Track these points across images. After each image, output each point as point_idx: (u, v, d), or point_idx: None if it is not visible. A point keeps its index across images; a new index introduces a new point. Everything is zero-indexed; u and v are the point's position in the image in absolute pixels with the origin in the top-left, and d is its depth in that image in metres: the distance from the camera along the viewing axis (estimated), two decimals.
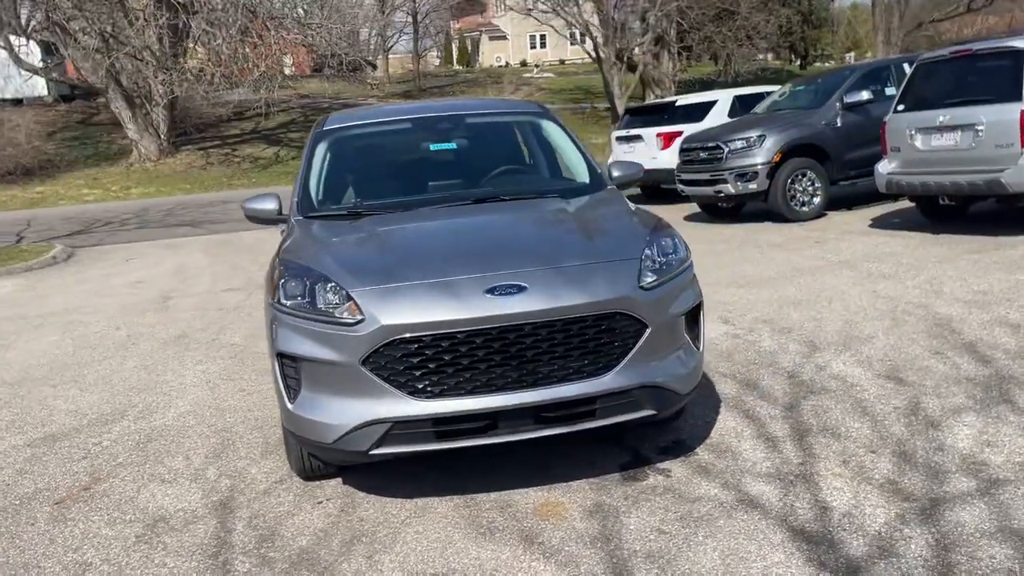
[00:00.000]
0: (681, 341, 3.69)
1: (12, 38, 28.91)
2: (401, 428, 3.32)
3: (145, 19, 25.60)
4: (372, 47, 57.52)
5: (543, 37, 59.72)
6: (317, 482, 3.99)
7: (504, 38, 63.84)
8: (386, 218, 4.22)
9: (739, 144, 10.83)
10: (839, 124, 10.89)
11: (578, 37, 19.46)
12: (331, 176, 4.75)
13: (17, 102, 39.80)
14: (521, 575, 3.06)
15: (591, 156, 4.94)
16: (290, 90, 37.98)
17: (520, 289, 3.34)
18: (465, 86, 48.17)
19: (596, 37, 19.93)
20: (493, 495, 3.70)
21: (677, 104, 14.66)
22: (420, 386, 3.30)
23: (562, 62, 56.79)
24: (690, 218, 12.47)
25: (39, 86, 39.41)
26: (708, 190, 11.31)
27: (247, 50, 25.53)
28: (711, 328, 6.07)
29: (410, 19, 53.41)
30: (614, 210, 4.24)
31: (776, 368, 5.09)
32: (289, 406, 3.50)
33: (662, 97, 26.70)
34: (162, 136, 29.39)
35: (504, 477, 3.84)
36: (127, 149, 29.67)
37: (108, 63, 26.79)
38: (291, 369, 3.49)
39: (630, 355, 3.45)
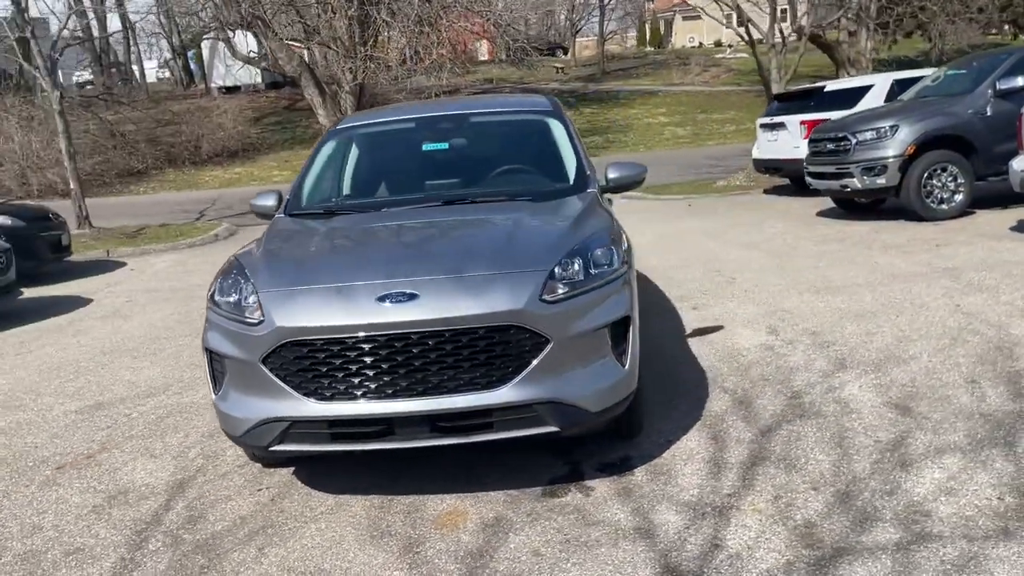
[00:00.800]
0: (599, 356, 3.54)
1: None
2: (298, 428, 3.44)
3: (332, 10, 27.21)
4: (570, 30, 57.80)
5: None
6: (272, 469, 4.20)
7: (698, 17, 61.95)
8: (351, 218, 4.35)
9: (868, 135, 9.99)
10: (989, 113, 9.77)
11: (766, 14, 18.45)
12: (327, 174, 4.93)
13: (234, 89, 43.75)
14: None
15: (585, 157, 4.79)
16: (474, 76, 38.99)
17: (411, 297, 3.35)
18: (650, 68, 47.43)
19: (748, 14, 18.86)
20: (411, 498, 3.74)
21: (826, 89, 13.74)
22: (314, 388, 3.40)
23: (761, 41, 54.34)
24: (824, 213, 11.68)
25: (254, 74, 42.96)
26: (833, 184, 10.54)
27: (430, 37, 26.46)
28: (753, 337, 5.74)
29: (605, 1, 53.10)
30: (563, 216, 4.10)
31: (784, 387, 4.74)
32: (213, 398, 3.71)
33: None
34: None
35: (432, 481, 3.87)
36: (319, 133, 31.74)
37: (301, 52, 28.78)
38: (217, 364, 3.69)
39: (528, 369, 3.37)
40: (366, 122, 5.29)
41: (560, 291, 3.46)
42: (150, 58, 57.40)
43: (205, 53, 44.63)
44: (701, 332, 6.04)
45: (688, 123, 32.64)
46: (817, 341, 5.53)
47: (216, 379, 3.72)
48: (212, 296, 3.78)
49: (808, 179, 11.27)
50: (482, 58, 51.18)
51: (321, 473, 4.06)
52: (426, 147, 5.00)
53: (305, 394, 3.40)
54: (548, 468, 3.93)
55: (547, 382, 3.39)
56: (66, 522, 3.81)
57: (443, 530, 3.44)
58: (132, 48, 48.66)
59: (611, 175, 4.70)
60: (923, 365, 4.86)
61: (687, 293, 7.31)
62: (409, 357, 3.33)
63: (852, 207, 11.46)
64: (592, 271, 3.62)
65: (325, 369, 3.38)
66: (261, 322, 3.45)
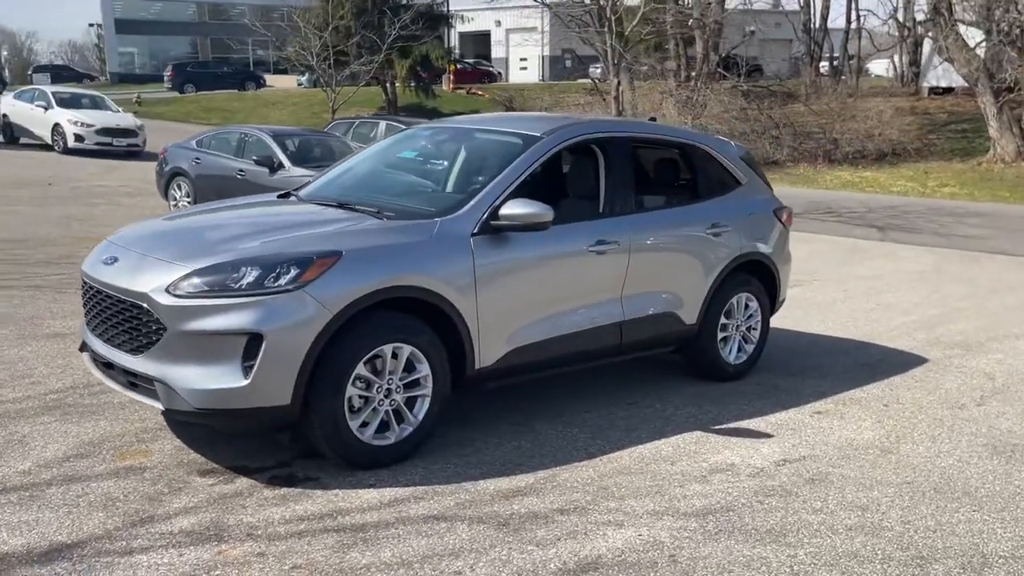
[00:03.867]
0: (220, 359, 3.78)
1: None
2: (85, 346, 4.53)
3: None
4: None
5: None
6: None
7: None
8: (263, 200, 5.15)
9: None
10: None
11: None
12: (347, 165, 5.56)
13: (948, 91, 41.21)
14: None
15: (499, 188, 4.53)
16: None
17: (113, 261, 4.14)
18: None
19: None
20: (168, 442, 4.47)
21: None
22: (87, 319, 4.46)
23: None
24: None
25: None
26: None
27: None
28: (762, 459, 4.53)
29: None
30: (337, 232, 4.24)
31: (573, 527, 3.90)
32: None
33: None
34: None
35: None
36: (989, 146, 28.19)
37: (984, 54, 25.88)
38: None
39: (153, 347, 3.89)
40: (421, 126, 5.77)
41: (190, 288, 3.81)
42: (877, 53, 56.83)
43: (925, 51, 42.74)
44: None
45: None
46: (864, 531, 4.06)
47: None
48: None
49: None
50: None
51: None
52: (401, 154, 5.28)
53: (85, 322, 4.49)
54: (265, 456, 4.26)
55: (163, 364, 3.87)
56: (49, 369, 5.54)
57: (111, 458, 4.20)
58: (850, 43, 48.95)
59: (504, 212, 4.40)
60: None
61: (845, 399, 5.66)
62: (100, 309, 4.16)
63: None
64: (264, 282, 3.81)
65: (86, 307, 4.43)
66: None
